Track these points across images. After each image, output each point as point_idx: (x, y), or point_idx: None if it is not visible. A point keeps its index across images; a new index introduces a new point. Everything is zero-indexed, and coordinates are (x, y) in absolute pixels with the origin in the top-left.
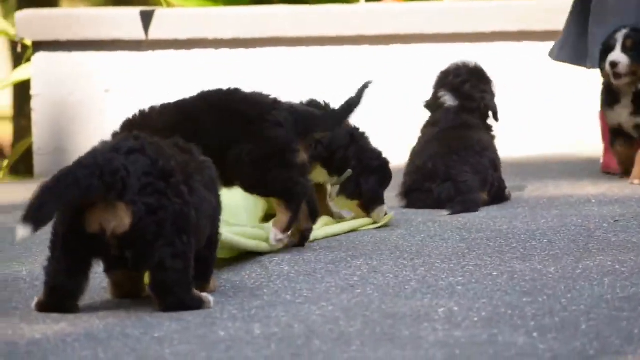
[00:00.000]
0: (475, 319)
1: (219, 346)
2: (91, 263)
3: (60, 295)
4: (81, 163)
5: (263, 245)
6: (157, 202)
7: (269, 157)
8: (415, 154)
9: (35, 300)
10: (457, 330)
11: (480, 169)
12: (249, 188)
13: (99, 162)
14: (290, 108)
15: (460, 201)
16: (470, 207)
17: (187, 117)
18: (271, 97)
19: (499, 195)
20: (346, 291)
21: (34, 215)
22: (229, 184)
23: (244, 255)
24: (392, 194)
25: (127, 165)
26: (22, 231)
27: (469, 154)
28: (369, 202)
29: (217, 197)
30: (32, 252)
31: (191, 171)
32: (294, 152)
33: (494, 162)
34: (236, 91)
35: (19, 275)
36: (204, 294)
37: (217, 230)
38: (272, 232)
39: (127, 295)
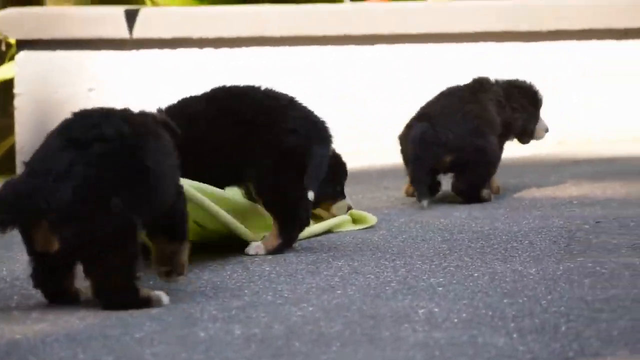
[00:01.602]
0: (456, 320)
1: (199, 347)
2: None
3: (49, 293)
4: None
5: (241, 230)
6: (88, 224)
7: (284, 163)
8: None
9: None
10: (437, 331)
11: (460, 129)
12: (262, 192)
13: (18, 191)
14: (305, 113)
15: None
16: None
17: (194, 121)
18: (287, 97)
19: (466, 163)
20: (327, 292)
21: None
22: (238, 182)
23: (225, 255)
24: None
25: (53, 190)
26: None
27: (462, 114)
28: (321, 198)
29: (175, 158)
30: (13, 250)
31: (149, 142)
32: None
33: (480, 129)
34: (250, 92)
35: None
36: (156, 293)
37: (180, 187)
38: (256, 245)
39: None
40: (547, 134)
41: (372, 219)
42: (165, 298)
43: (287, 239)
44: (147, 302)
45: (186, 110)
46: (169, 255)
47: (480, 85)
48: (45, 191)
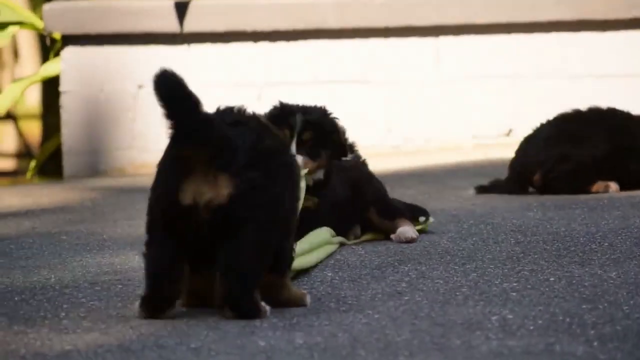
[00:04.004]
0: (531, 327)
1: (258, 356)
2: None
3: (163, 282)
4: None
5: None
6: (261, 179)
7: None
8: None
9: (138, 302)
10: (511, 339)
11: None
12: None
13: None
14: None
15: None
16: None
17: None
18: None
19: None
20: (393, 298)
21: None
22: None
23: None
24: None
25: (236, 137)
26: None
27: None
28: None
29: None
30: (62, 257)
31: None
32: None
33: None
34: None
35: (47, 283)
36: (262, 303)
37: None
38: (410, 229)
39: (201, 304)
40: None
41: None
42: (268, 309)
43: None
44: (258, 311)
45: None
46: (265, 287)
47: None
48: (229, 130)
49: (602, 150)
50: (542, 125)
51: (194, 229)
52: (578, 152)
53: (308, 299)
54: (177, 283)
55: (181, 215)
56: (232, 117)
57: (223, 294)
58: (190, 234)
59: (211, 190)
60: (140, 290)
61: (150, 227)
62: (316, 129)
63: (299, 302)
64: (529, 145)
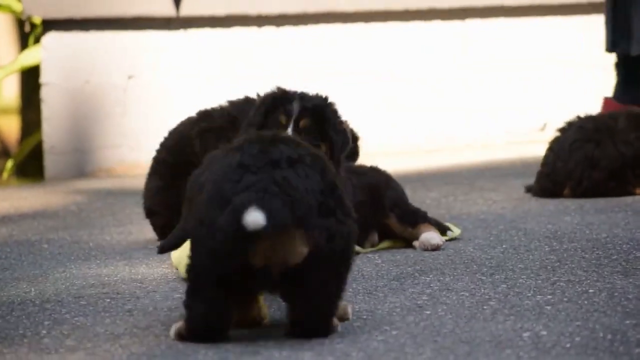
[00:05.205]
0: (568, 345)
1: None
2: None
3: (208, 335)
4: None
5: None
6: (334, 226)
7: None
8: None
9: (174, 329)
10: (545, 358)
11: None
12: None
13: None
14: None
15: None
16: None
17: None
18: None
19: None
20: (413, 313)
21: None
22: None
23: None
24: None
25: (300, 182)
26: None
27: None
28: None
29: None
30: (43, 268)
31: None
32: None
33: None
34: None
35: (27, 297)
36: (334, 319)
37: None
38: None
39: (242, 325)
40: None
41: (455, 230)
42: (337, 322)
43: None
44: (334, 329)
45: None
46: None
47: None
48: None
49: (633, 148)
50: (566, 128)
51: (258, 286)
52: (604, 153)
53: (350, 311)
54: (226, 326)
55: (248, 276)
56: (283, 152)
57: (296, 321)
58: (251, 287)
59: (285, 250)
60: (130, 305)
61: (199, 281)
62: (314, 117)
63: (343, 318)
64: (554, 154)
